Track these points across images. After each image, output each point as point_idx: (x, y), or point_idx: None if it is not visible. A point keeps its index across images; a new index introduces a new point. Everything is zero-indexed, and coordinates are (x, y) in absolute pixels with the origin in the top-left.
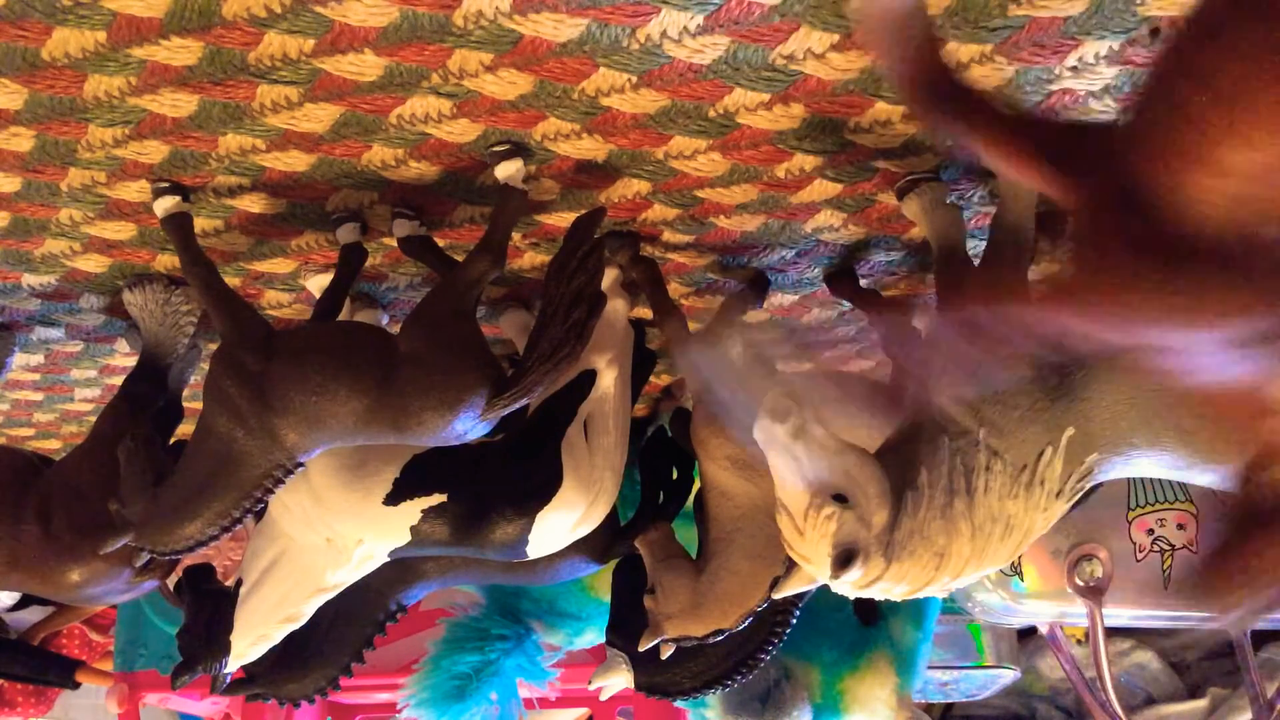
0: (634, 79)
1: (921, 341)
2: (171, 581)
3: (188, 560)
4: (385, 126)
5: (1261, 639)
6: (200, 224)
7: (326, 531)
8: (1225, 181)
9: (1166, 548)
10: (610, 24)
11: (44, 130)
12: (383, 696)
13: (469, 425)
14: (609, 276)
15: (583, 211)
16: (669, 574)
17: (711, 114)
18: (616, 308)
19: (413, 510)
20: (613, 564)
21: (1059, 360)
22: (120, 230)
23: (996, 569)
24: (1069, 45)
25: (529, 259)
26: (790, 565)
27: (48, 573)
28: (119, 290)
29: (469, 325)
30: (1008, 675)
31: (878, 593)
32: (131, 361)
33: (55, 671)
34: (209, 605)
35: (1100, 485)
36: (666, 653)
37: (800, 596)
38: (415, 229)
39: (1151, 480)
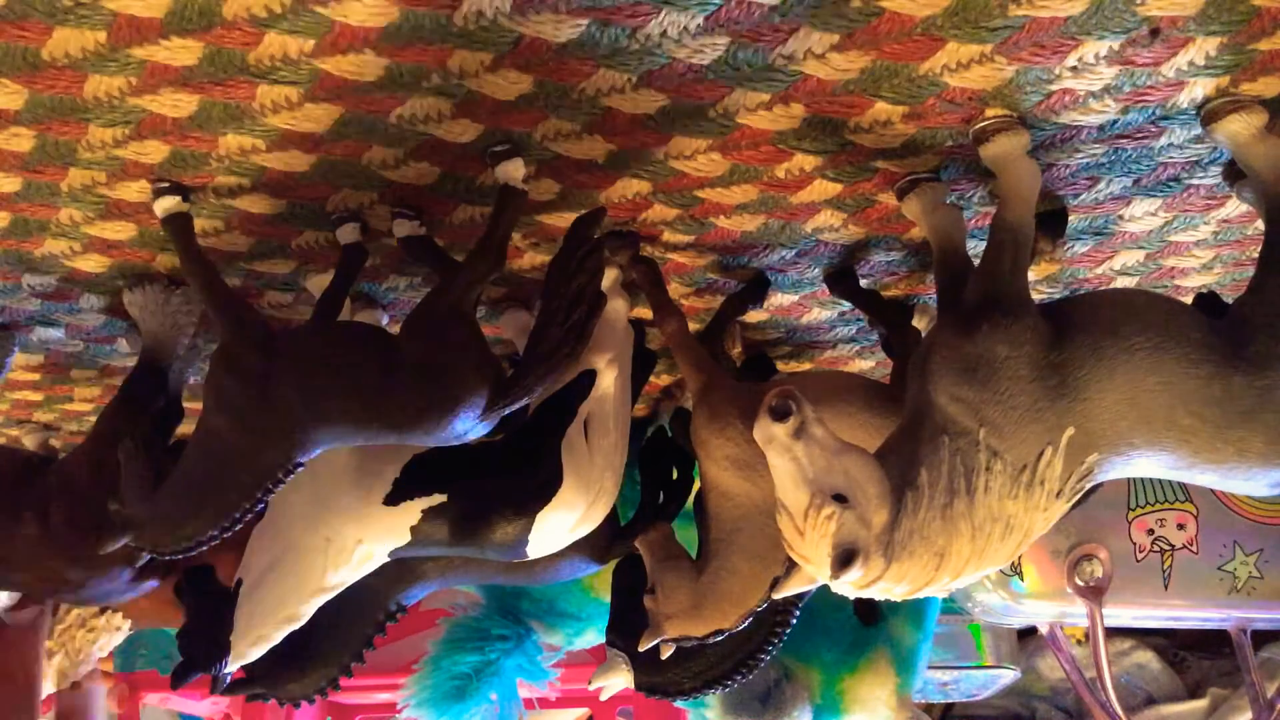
0: (634, 79)
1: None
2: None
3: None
4: (385, 126)
5: (1261, 639)
6: (200, 224)
7: (326, 531)
8: None
9: (1166, 548)
10: (610, 24)
11: (44, 130)
12: (383, 696)
13: (469, 425)
14: (609, 276)
15: (583, 211)
16: (669, 574)
17: (711, 114)
18: (616, 308)
19: (413, 510)
20: (613, 564)
21: (1059, 359)
22: (120, 230)
23: (996, 569)
24: (1069, 45)
25: (529, 259)
26: (790, 565)
27: (47, 573)
28: (119, 290)
29: (469, 325)
30: (1008, 675)
31: (878, 593)
32: (131, 361)
33: None
34: (209, 606)
35: (1100, 485)
36: (667, 653)
37: (800, 597)
38: (415, 229)
39: (1151, 480)
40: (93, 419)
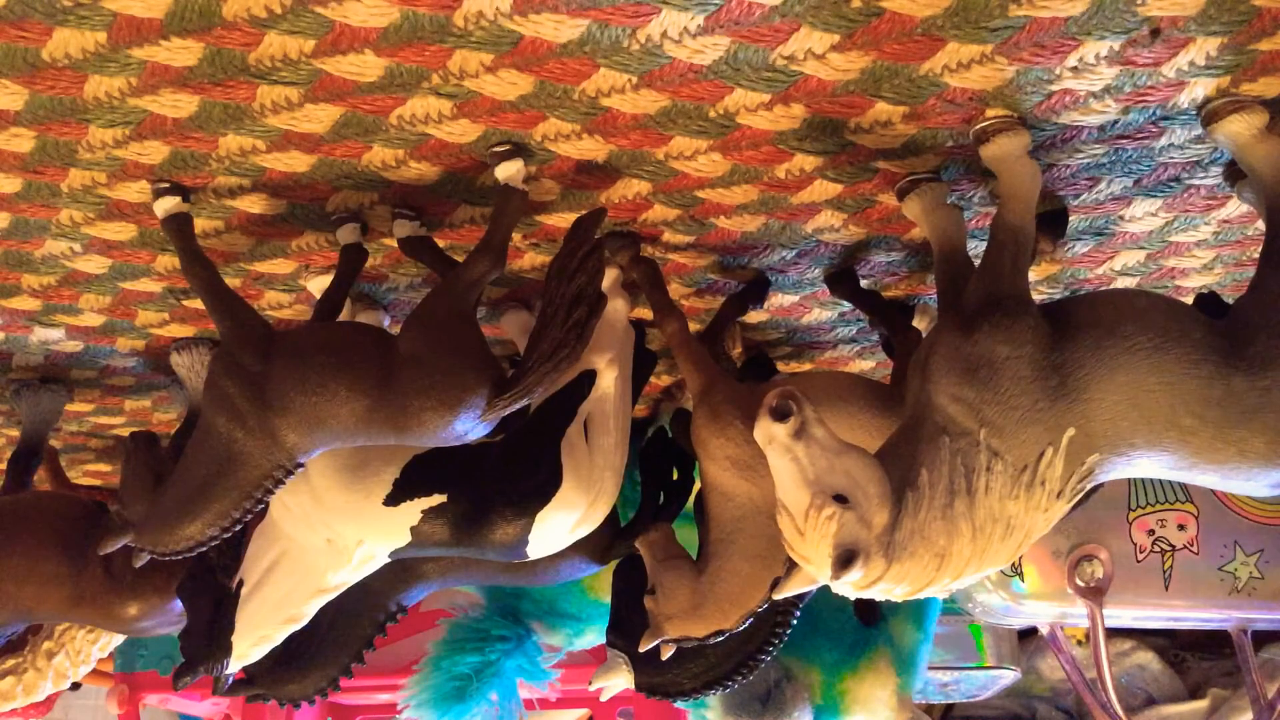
0: (634, 79)
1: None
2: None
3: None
4: (385, 127)
5: (1262, 639)
6: (200, 224)
7: (327, 532)
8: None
9: (1167, 548)
10: (610, 25)
11: (44, 131)
12: (383, 697)
13: (469, 425)
14: (609, 277)
15: (583, 212)
16: (669, 574)
17: (712, 114)
18: (617, 308)
19: (413, 511)
20: (613, 565)
21: (1060, 360)
22: (120, 231)
23: (997, 570)
24: (1069, 45)
25: (529, 259)
26: (791, 566)
27: (108, 609)
28: (119, 290)
29: (469, 326)
30: (1008, 676)
31: (879, 593)
32: (131, 362)
33: None
34: (210, 606)
35: (1101, 486)
36: (667, 653)
37: (801, 597)
38: (415, 229)
39: (1152, 481)
40: (92, 419)
